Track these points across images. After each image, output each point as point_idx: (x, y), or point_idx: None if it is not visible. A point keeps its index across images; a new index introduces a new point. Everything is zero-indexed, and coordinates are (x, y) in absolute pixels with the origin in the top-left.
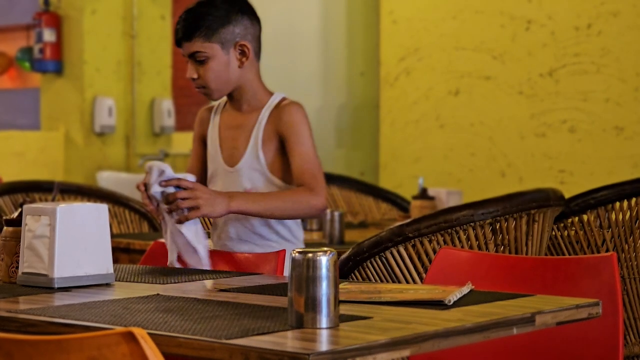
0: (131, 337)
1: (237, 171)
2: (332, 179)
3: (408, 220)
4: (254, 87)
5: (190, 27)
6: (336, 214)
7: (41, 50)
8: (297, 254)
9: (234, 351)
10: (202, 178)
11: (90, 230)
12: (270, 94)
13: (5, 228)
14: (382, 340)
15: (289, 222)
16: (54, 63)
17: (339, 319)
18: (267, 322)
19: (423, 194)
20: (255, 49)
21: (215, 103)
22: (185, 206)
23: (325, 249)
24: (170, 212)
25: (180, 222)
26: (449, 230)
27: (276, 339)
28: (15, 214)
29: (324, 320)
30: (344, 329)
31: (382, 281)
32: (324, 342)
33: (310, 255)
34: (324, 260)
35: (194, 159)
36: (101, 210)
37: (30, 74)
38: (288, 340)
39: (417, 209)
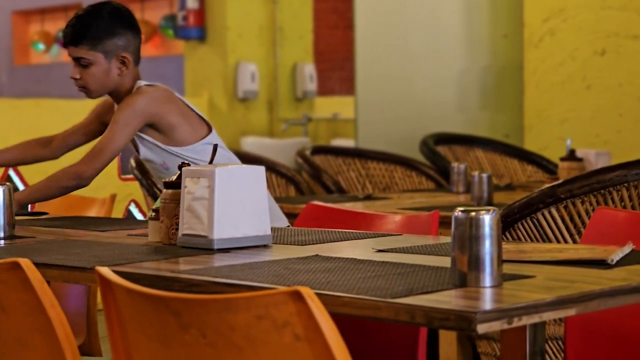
0: (298, 296)
1: (142, 156)
2: (476, 142)
3: (559, 182)
4: (129, 89)
5: (77, 34)
6: (484, 176)
7: (184, 18)
8: (460, 213)
9: (399, 310)
10: (75, 142)
11: (248, 191)
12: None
13: (164, 190)
14: (548, 299)
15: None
16: (197, 30)
17: (502, 278)
18: (430, 281)
19: (571, 156)
20: (135, 59)
21: None
22: None
23: (488, 207)
24: None
25: None
26: (602, 190)
27: (441, 298)
28: (174, 177)
29: (487, 279)
30: (507, 287)
31: (532, 242)
32: (488, 301)
33: (473, 214)
34: (487, 219)
35: (80, 126)
36: (258, 172)
37: (173, 41)
38: (452, 299)
39: (565, 170)
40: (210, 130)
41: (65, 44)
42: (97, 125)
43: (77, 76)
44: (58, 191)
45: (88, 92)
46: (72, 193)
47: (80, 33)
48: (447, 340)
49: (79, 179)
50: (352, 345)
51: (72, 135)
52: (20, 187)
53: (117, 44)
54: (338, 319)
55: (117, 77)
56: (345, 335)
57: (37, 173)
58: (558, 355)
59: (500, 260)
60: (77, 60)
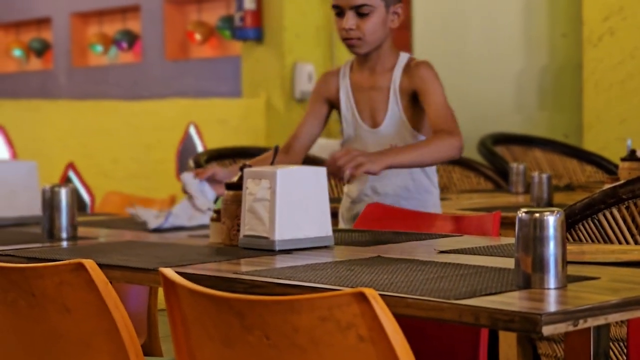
0: (362, 298)
1: (381, 131)
2: (535, 142)
3: (621, 182)
4: (388, 49)
5: None
6: (544, 176)
7: (241, 19)
8: (524, 214)
9: (463, 311)
10: (312, 135)
11: (310, 193)
12: (397, 54)
13: (226, 192)
14: (614, 301)
15: (428, 171)
16: (254, 31)
17: (566, 279)
18: (493, 282)
19: (632, 156)
20: None
21: (340, 67)
22: (350, 166)
23: (553, 208)
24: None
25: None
26: None
27: (505, 299)
28: (236, 178)
29: (552, 281)
30: (572, 289)
31: (594, 243)
32: (553, 303)
33: (537, 215)
34: (552, 220)
35: (309, 117)
36: (320, 173)
37: (230, 42)
38: (517, 301)
39: (626, 170)
40: None
41: None
42: (326, 106)
43: (354, 26)
44: (437, 161)
45: (361, 44)
46: (131, 194)
47: None
48: (508, 342)
49: (458, 150)
50: (413, 347)
51: (305, 129)
52: (80, 188)
53: None
54: (398, 320)
55: (388, 31)
56: (406, 336)
57: (97, 174)
58: (620, 358)
59: (565, 262)
60: (356, 8)
